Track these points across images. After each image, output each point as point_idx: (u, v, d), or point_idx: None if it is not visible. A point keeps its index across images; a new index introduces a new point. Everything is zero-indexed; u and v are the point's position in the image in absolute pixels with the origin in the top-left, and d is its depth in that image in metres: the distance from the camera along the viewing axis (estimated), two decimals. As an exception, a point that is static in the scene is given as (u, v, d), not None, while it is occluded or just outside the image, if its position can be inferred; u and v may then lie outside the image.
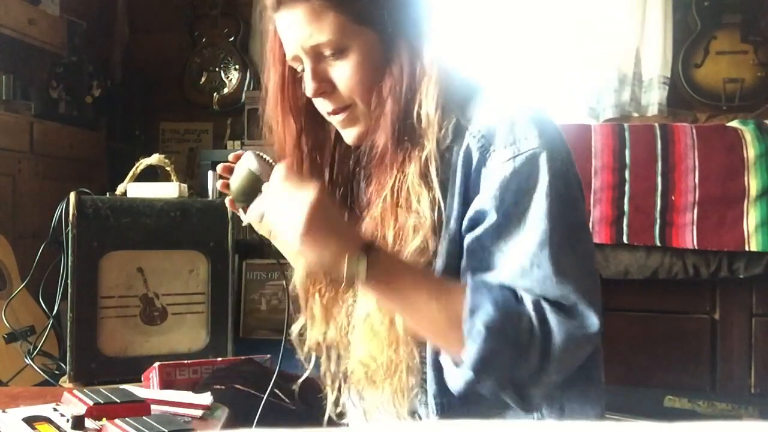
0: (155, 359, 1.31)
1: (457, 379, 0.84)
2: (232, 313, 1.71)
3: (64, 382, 1.57)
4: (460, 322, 0.81)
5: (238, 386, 1.10)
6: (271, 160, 1.00)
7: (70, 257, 1.56)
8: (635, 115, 2.98)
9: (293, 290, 1.02)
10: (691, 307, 2.28)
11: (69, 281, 1.56)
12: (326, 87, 0.92)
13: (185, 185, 1.76)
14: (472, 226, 0.87)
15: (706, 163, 2.17)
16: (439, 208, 0.88)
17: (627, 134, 2.25)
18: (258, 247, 2.99)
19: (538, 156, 0.84)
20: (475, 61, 1.02)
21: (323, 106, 0.95)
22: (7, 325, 1.88)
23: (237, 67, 3.34)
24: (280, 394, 1.06)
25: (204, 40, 3.37)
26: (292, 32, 0.91)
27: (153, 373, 1.26)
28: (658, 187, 2.19)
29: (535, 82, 3.02)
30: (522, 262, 0.83)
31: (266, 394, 1.02)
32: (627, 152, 2.22)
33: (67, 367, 1.56)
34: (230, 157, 1.02)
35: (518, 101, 0.91)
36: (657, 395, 2.13)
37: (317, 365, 1.05)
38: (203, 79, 3.37)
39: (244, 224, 1.03)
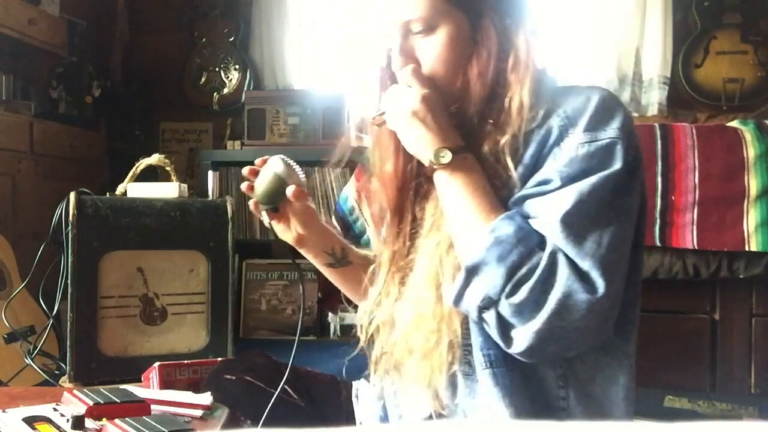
0: (155, 359, 1.31)
1: (455, 285, 0.88)
2: (232, 313, 1.71)
3: (64, 382, 1.57)
4: (481, 235, 0.86)
5: (248, 378, 1.10)
6: (296, 166, 1.03)
7: (70, 257, 1.56)
8: (635, 115, 2.98)
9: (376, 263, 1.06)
10: (691, 307, 2.28)
11: (69, 281, 1.56)
12: (411, 63, 0.95)
13: (185, 185, 1.76)
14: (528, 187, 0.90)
15: (706, 163, 2.17)
16: (518, 188, 0.91)
17: (627, 134, 2.24)
18: (258, 247, 3.00)
19: (614, 146, 0.87)
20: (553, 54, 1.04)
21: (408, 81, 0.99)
22: (7, 325, 1.88)
23: (237, 67, 3.34)
24: (289, 390, 1.06)
25: (204, 40, 3.38)
26: (390, 6, 0.95)
27: (153, 373, 1.26)
28: (658, 187, 2.18)
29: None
30: (555, 216, 0.85)
31: (278, 391, 1.02)
32: (627, 152, 2.21)
33: (67, 367, 1.56)
34: (257, 161, 1.07)
35: (607, 90, 0.93)
36: (657, 395, 2.13)
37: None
38: (203, 79, 3.37)
39: (266, 225, 1.06)
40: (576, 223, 0.84)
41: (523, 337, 0.84)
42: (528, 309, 0.83)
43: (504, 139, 0.91)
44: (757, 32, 2.86)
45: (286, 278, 2.86)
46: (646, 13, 2.96)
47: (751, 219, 2.12)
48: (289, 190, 1.02)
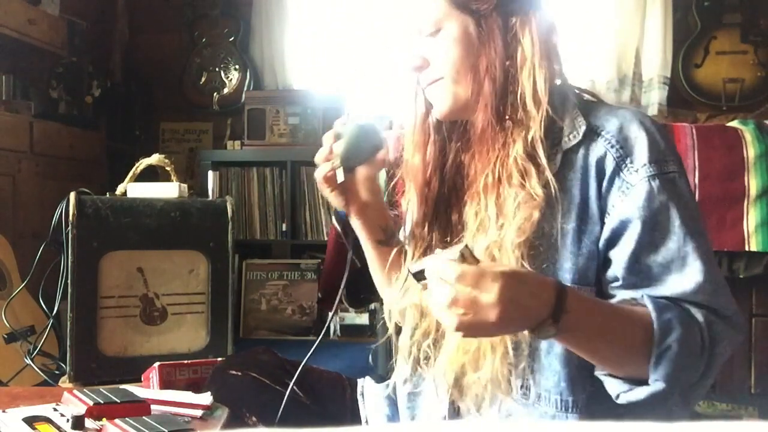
0: (155, 359, 1.31)
1: (637, 392, 0.85)
2: (232, 313, 1.71)
3: (64, 382, 1.57)
4: (643, 347, 0.83)
5: (253, 374, 1.10)
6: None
7: (70, 257, 1.56)
8: (635, 115, 2.98)
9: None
10: (691, 307, 2.28)
11: (69, 281, 1.56)
12: (422, 62, 0.98)
13: (185, 185, 1.76)
14: (614, 237, 0.89)
15: (706, 163, 2.17)
16: (553, 188, 0.90)
17: (627, 134, 2.24)
18: (258, 247, 3.00)
19: (677, 179, 0.89)
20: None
21: (421, 79, 1.01)
22: (7, 325, 1.88)
23: (237, 67, 3.34)
24: (294, 387, 1.06)
25: (204, 40, 3.38)
26: (405, 9, 0.99)
27: (153, 373, 1.26)
28: (658, 187, 2.19)
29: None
30: (696, 278, 0.86)
31: (287, 392, 1.03)
32: (627, 152, 2.21)
33: (67, 367, 1.56)
34: (337, 123, 1.04)
35: (642, 114, 0.94)
36: (657, 395, 2.13)
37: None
38: (203, 79, 3.37)
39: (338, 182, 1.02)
40: (710, 280, 0.86)
41: (699, 395, 0.88)
42: (702, 377, 0.86)
43: (531, 134, 0.91)
44: (757, 32, 2.86)
45: (286, 278, 2.85)
46: (646, 13, 2.96)
47: (751, 219, 2.12)
48: (382, 154, 1.02)
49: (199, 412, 1.00)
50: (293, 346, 2.63)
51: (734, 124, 2.33)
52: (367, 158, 1.03)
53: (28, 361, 1.68)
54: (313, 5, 3.31)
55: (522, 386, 0.92)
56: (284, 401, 1.01)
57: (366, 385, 1.16)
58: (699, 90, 2.92)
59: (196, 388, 1.14)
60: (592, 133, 0.92)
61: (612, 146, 0.90)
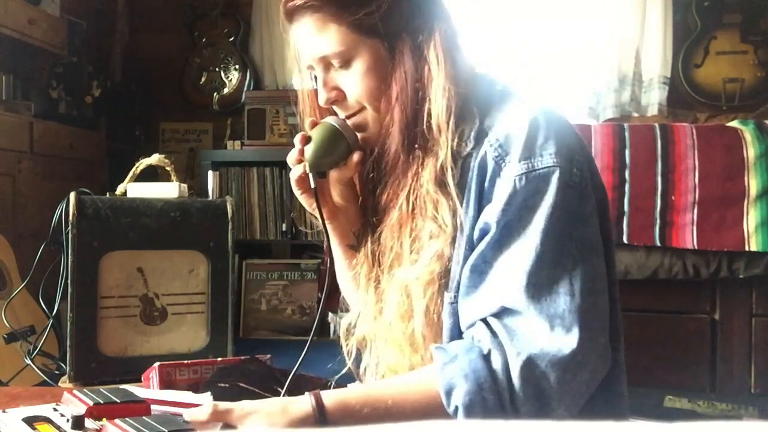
0: (155, 359, 1.31)
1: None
2: (232, 313, 1.70)
3: (64, 382, 1.57)
4: (438, 407, 0.81)
5: (242, 384, 1.11)
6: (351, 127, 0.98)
7: (70, 257, 1.56)
8: (635, 115, 2.98)
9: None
10: (691, 307, 2.28)
11: (69, 281, 1.56)
12: (337, 95, 0.95)
13: (185, 185, 1.76)
14: (480, 237, 0.86)
15: (706, 163, 2.17)
16: (459, 217, 0.87)
17: (627, 134, 2.25)
18: (258, 247, 3.00)
19: (551, 174, 0.82)
20: (488, 63, 1.01)
21: (339, 112, 0.98)
22: (7, 325, 1.88)
23: (237, 67, 3.34)
24: (281, 392, 1.06)
25: (204, 40, 3.38)
26: (303, 44, 0.96)
27: (153, 373, 1.26)
28: (658, 187, 2.19)
29: (536, 83, 3.03)
30: (520, 279, 0.81)
31: (283, 392, 1.03)
32: (627, 152, 2.22)
33: (67, 367, 1.56)
34: (307, 124, 1.01)
35: (539, 108, 0.88)
36: (657, 395, 2.13)
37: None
38: (203, 79, 3.37)
39: (312, 186, 0.98)
40: (537, 283, 0.80)
41: (559, 419, 0.81)
42: (542, 409, 0.80)
43: (440, 161, 0.88)
44: (757, 32, 2.87)
45: (286, 278, 2.85)
46: (646, 14, 2.96)
47: (751, 219, 2.12)
48: (357, 156, 0.97)
49: (199, 412, 0.99)
50: (293, 347, 2.63)
51: (734, 124, 2.33)
52: (338, 161, 0.98)
53: (28, 361, 1.68)
54: (313, 5, 3.31)
55: None
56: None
57: None
58: (699, 90, 2.92)
59: (196, 388, 1.14)
60: (482, 135, 0.88)
61: (491, 146, 0.86)
